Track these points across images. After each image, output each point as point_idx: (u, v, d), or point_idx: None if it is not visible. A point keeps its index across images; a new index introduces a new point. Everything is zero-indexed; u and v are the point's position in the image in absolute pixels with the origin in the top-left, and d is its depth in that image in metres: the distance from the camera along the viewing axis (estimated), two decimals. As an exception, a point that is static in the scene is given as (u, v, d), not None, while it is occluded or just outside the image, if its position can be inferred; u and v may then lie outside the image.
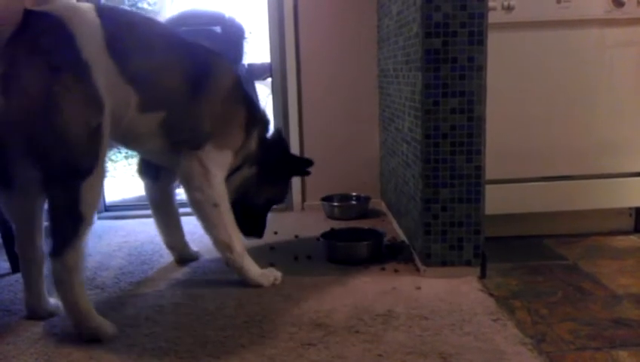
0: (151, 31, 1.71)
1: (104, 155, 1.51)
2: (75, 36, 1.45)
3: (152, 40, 1.67)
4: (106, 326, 1.50)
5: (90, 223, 1.48)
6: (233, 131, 1.84)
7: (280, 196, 2.10)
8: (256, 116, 1.94)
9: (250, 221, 2.00)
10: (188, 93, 1.72)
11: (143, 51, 1.62)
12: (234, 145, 1.84)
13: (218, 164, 1.79)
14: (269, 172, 2.00)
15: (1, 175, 1.50)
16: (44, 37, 1.43)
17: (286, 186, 2.13)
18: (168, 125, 1.70)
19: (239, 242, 1.81)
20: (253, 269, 1.82)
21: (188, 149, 1.76)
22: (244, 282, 1.81)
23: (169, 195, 2.04)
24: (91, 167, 1.46)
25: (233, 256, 1.79)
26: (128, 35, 1.60)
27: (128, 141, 1.79)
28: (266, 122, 2.00)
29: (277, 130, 2.08)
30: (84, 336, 1.47)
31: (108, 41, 1.51)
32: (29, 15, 1.44)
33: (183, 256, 2.10)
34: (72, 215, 1.45)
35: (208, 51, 1.83)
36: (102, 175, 1.51)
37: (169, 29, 1.79)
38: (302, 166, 2.08)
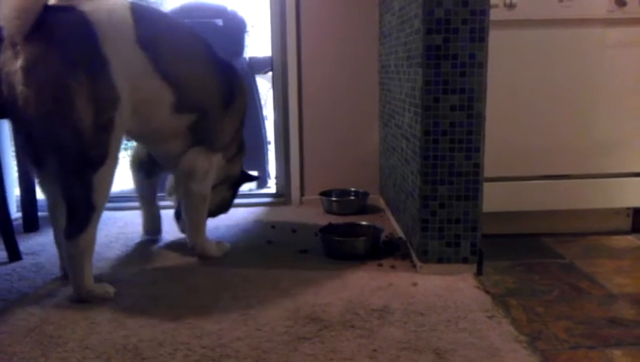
0: (185, 35, 1.86)
1: (116, 148, 1.62)
2: (97, 31, 1.52)
3: (187, 42, 1.84)
4: (104, 290, 1.68)
5: (101, 211, 1.62)
6: (233, 143, 2.09)
7: None
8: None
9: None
10: (219, 103, 1.92)
11: (178, 51, 1.77)
12: (227, 155, 2.08)
13: (215, 165, 2.02)
14: None
15: (33, 157, 1.63)
16: (64, 31, 1.50)
17: None
18: (196, 127, 1.88)
19: (205, 228, 2.06)
20: (213, 248, 2.05)
21: (203, 149, 1.94)
22: (204, 256, 2.04)
23: (155, 190, 2.27)
24: (102, 159, 1.57)
25: (199, 238, 2.03)
26: (163, 36, 1.73)
27: (152, 141, 1.94)
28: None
29: None
30: (85, 300, 1.65)
31: (140, 38, 1.62)
32: (51, 9, 1.50)
33: (156, 236, 2.33)
34: (85, 204, 1.58)
35: (233, 70, 2.03)
36: (113, 166, 1.62)
37: (200, 37, 1.93)
38: None
